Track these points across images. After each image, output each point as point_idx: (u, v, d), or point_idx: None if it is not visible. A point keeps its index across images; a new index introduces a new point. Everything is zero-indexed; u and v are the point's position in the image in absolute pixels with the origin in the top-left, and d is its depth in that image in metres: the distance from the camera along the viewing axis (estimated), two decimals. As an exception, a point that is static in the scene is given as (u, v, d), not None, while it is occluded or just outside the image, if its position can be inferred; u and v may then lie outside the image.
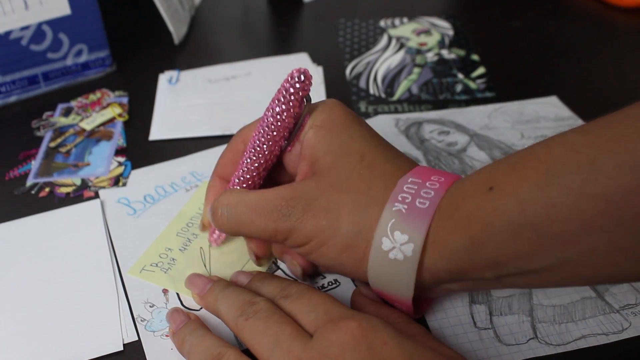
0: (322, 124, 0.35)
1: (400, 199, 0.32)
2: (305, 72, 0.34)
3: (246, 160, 0.37)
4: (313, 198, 0.34)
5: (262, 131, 0.36)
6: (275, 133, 0.36)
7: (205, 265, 0.41)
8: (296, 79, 0.34)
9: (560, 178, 0.28)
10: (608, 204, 0.27)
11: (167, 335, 0.37)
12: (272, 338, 0.31)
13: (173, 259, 0.42)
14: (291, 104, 0.35)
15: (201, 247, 0.43)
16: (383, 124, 0.54)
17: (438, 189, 0.32)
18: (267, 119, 0.36)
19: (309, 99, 0.35)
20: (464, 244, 0.31)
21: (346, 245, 0.33)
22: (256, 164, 0.37)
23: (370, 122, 0.54)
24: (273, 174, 0.39)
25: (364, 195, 0.33)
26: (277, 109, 0.35)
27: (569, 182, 0.28)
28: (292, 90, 0.34)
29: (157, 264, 0.41)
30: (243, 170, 0.38)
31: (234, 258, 0.42)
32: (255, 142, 0.37)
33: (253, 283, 0.37)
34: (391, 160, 0.35)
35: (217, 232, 0.41)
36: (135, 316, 0.38)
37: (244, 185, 0.38)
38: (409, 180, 0.33)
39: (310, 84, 0.35)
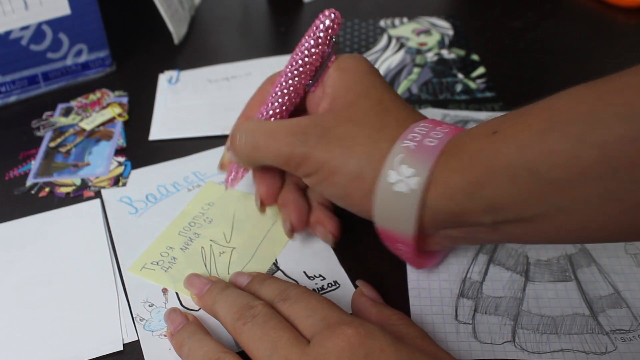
0: (347, 67, 0.37)
1: (410, 137, 0.33)
2: (335, 13, 0.36)
3: (272, 95, 0.39)
4: (329, 127, 0.35)
5: (290, 67, 0.38)
6: (302, 69, 0.37)
7: (205, 265, 0.41)
8: (327, 18, 0.36)
9: (560, 125, 0.29)
10: (605, 153, 0.27)
11: (165, 335, 0.37)
12: (269, 344, 0.31)
13: (174, 258, 0.42)
14: (320, 40, 0.37)
15: (202, 247, 0.42)
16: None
17: (447, 132, 0.34)
18: (296, 56, 0.37)
19: (337, 41, 0.37)
20: (465, 184, 0.31)
21: (355, 175, 0.34)
22: (280, 100, 0.38)
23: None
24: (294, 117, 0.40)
25: (378, 131, 0.35)
26: (306, 44, 0.37)
27: (569, 129, 0.28)
28: (322, 27, 0.36)
29: (157, 263, 0.41)
30: (267, 106, 0.39)
31: (234, 258, 0.42)
32: (282, 79, 0.38)
33: (252, 285, 0.37)
34: (406, 109, 0.37)
35: (233, 173, 0.42)
36: (134, 316, 0.38)
37: None
38: (421, 124, 0.34)
39: (340, 25, 0.37)
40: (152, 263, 0.41)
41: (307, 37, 0.37)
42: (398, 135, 0.34)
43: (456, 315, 0.37)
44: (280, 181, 0.41)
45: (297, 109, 0.40)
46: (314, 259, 0.41)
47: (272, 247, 0.43)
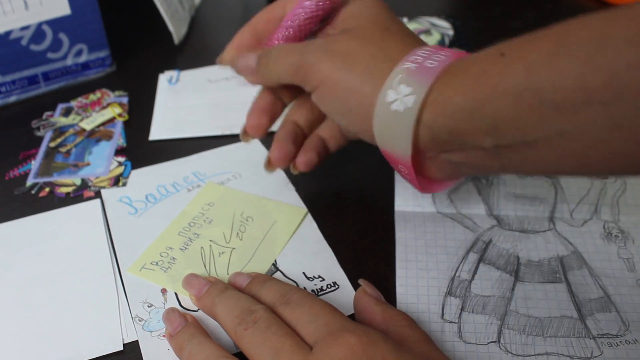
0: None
1: (412, 59, 0.34)
2: None
3: (298, 10, 0.40)
4: (334, 41, 0.37)
5: (302, 9, 0.40)
6: (313, 14, 0.39)
7: (205, 266, 0.41)
8: None
9: (570, 48, 0.28)
10: (612, 77, 0.27)
11: (164, 336, 0.37)
12: (271, 350, 0.31)
13: (173, 258, 0.42)
14: None
15: (202, 247, 0.43)
16: None
17: (450, 55, 0.34)
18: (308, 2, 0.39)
19: None
20: (467, 103, 0.31)
21: (355, 90, 0.35)
22: (292, 29, 0.40)
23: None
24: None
25: (382, 51, 0.36)
26: None
27: (578, 52, 0.28)
28: None
29: (157, 263, 0.41)
30: (292, 21, 0.40)
31: (233, 258, 0.42)
32: (295, 20, 0.40)
33: (252, 286, 0.37)
34: (413, 36, 0.38)
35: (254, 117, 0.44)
36: (133, 316, 0.38)
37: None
38: (424, 48, 0.35)
39: None
40: (151, 263, 0.41)
41: None
42: (401, 58, 0.34)
43: (442, 314, 0.37)
44: (295, 149, 0.42)
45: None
46: (313, 260, 0.41)
47: (271, 247, 0.43)
